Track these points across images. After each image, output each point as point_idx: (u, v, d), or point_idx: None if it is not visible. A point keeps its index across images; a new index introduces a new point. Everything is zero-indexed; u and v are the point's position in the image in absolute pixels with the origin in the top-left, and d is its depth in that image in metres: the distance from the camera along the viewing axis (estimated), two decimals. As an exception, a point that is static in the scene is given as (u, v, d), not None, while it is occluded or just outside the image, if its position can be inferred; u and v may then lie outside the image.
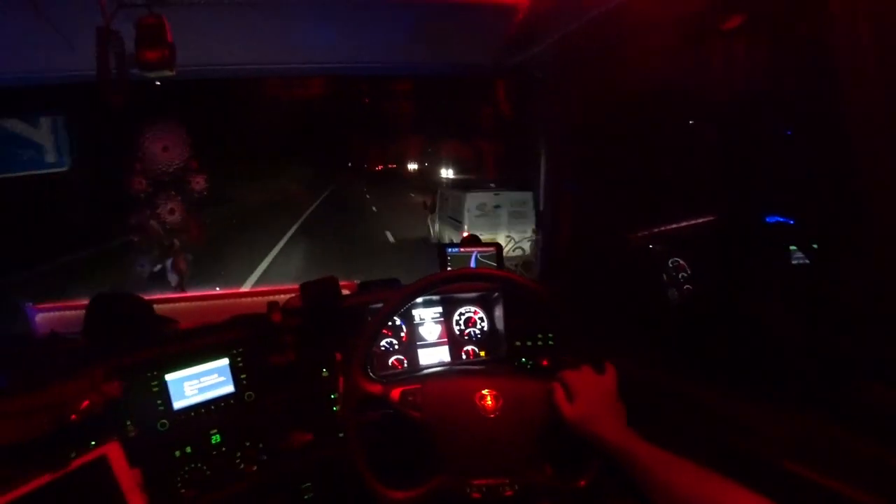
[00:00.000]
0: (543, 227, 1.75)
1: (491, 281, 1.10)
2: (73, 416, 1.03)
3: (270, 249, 9.73)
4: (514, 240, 6.10)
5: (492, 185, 9.66)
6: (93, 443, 1.03)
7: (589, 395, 0.94)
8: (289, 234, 11.93)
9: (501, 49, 1.65)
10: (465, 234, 6.76)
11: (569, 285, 1.67)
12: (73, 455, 0.97)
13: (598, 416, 0.91)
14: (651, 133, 1.80)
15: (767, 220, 1.63)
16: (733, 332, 1.44)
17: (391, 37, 1.54)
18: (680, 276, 1.72)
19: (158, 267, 2.07)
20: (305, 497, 1.38)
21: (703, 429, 1.10)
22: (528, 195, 7.42)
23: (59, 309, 1.98)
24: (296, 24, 1.39)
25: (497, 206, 8.39)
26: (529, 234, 4.33)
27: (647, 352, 1.44)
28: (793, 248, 1.55)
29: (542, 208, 1.75)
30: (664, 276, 1.69)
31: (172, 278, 1.99)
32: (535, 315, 1.49)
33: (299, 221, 14.17)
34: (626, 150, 1.78)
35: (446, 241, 8.93)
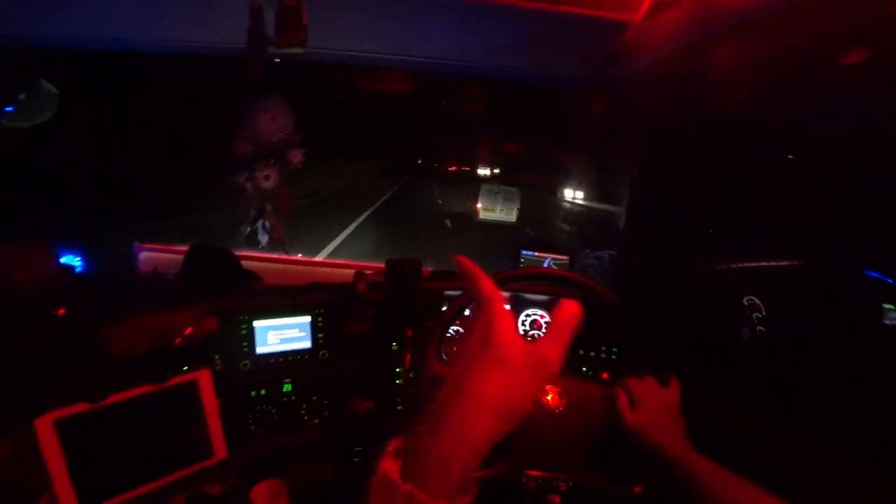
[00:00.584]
0: (620, 243, 1.74)
1: (571, 285, 1.12)
2: (178, 341, 1.16)
3: (344, 228, 10.54)
4: (504, 210, 13.25)
5: (498, 182, 15.11)
6: (185, 368, 1.16)
7: (651, 405, 0.95)
8: (362, 216, 12.81)
9: (601, 62, 1.67)
10: (477, 206, 13.14)
11: (639, 304, 1.65)
12: (169, 374, 1.10)
13: (660, 426, 0.92)
14: (744, 164, 1.75)
15: (868, 273, 1.55)
16: (811, 382, 1.38)
17: (497, 40, 1.60)
18: (754, 315, 1.66)
19: (250, 229, 2.24)
20: (355, 460, 1.47)
21: (766, 469, 1.07)
22: (515, 189, 13.59)
23: (160, 251, 2.19)
24: (412, 20, 1.47)
25: (496, 193, 13.48)
26: (514, 210, 13.19)
27: (712, 383, 1.40)
28: (888, 306, 1.46)
29: (621, 224, 1.74)
30: (737, 313, 1.64)
31: (262, 238, 2.15)
32: (602, 327, 1.49)
33: (372, 207, 14.96)
34: (715, 177, 1.74)
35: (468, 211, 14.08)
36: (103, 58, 1.88)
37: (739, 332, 1.66)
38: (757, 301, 1.66)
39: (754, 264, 1.75)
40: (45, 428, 0.95)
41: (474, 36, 1.57)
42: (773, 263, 1.72)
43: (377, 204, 15.92)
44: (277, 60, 1.69)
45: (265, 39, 1.23)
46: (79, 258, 1.92)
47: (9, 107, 1.99)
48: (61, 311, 1.22)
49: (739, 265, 1.76)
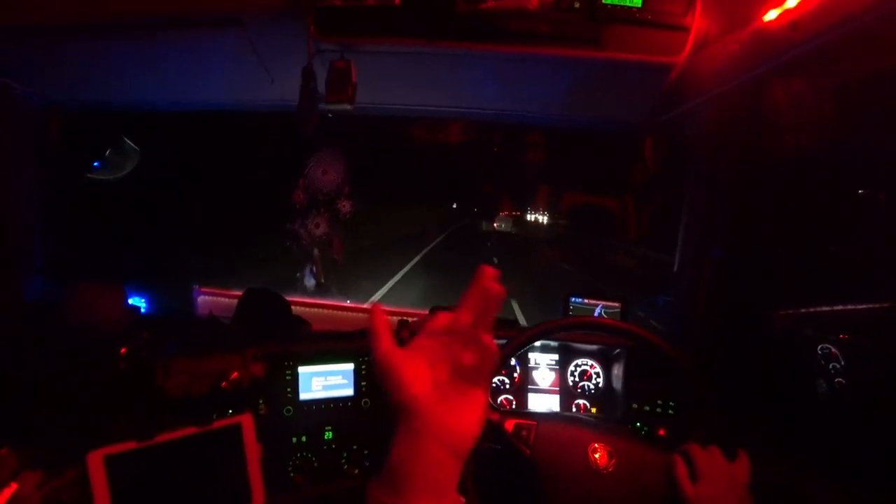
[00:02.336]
0: (679, 291, 1.65)
1: (624, 336, 1.06)
2: (224, 384, 1.19)
3: (398, 271, 11.24)
4: (504, 225, 27.26)
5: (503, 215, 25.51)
6: (230, 411, 1.18)
7: (716, 479, 0.86)
8: (414, 260, 13.43)
9: (651, 105, 1.64)
10: (494, 224, 27.43)
11: (701, 356, 1.54)
12: (214, 416, 1.11)
13: None
14: (809, 202, 1.64)
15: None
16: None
17: (545, 90, 1.61)
18: (831, 366, 1.50)
19: (298, 274, 2.34)
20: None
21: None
22: (510, 219, 27.78)
23: (217, 295, 2.30)
24: (461, 74, 1.51)
25: (502, 219, 23.56)
26: (510, 225, 28.06)
27: (785, 448, 1.27)
28: None
29: (676, 268, 1.66)
30: (812, 365, 1.49)
31: (309, 283, 2.23)
32: (657, 379, 1.40)
33: (424, 251, 15.57)
34: (780, 218, 1.64)
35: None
36: (178, 118, 2.06)
37: (816, 385, 1.51)
38: (833, 350, 1.51)
39: (828, 308, 1.61)
40: (95, 463, 0.98)
41: (521, 87, 1.59)
42: (850, 307, 1.58)
43: (429, 247, 16.44)
44: (330, 116, 1.79)
45: (317, 97, 1.29)
46: (144, 300, 2.04)
47: (96, 162, 2.20)
48: (123, 351, 1.29)
49: (811, 310, 1.62)
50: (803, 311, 1.59)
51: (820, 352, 1.51)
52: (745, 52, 1.22)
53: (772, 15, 1.10)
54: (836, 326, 1.52)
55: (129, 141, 2.23)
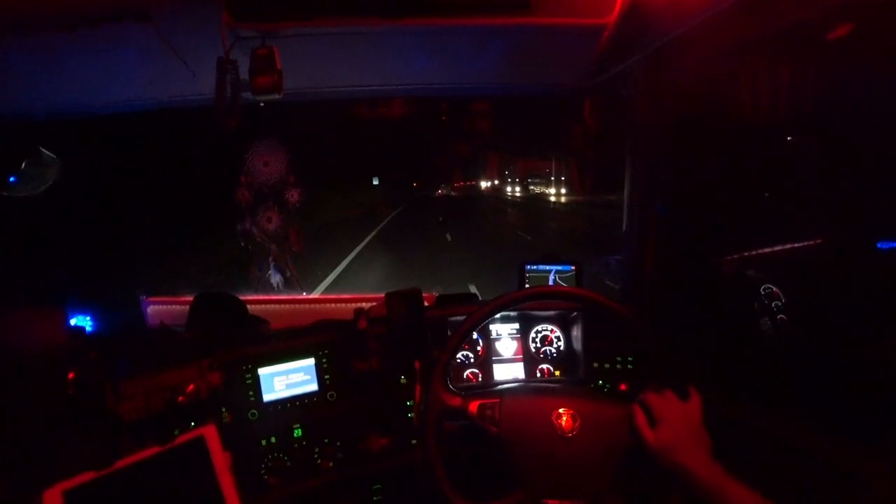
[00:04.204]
0: (627, 247, 1.70)
1: (575, 300, 1.09)
2: (181, 399, 1.15)
3: (352, 250, 11.46)
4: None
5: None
6: (192, 424, 1.15)
7: (673, 422, 0.90)
8: (367, 238, 13.54)
9: (587, 68, 1.65)
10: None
11: (652, 309, 1.60)
12: (176, 432, 1.08)
13: (684, 445, 0.87)
14: (744, 151, 1.71)
15: (881, 245, 1.48)
16: (839, 369, 1.32)
17: (479, 60, 1.59)
18: (773, 304, 1.59)
19: (267, 272, 2.27)
20: (375, 499, 1.43)
21: (800, 476, 1.01)
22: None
23: (167, 303, 2.20)
24: (391, 50, 1.47)
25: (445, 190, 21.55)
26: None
27: (735, 385, 1.35)
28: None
29: (625, 228, 1.70)
30: (755, 305, 1.58)
31: (275, 279, 2.17)
32: (615, 337, 1.45)
33: (377, 229, 15.69)
34: (717, 169, 1.70)
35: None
36: (94, 121, 1.93)
37: (760, 325, 1.60)
38: (775, 289, 1.60)
39: (767, 250, 1.69)
40: (53, 499, 0.94)
41: (453, 59, 1.56)
42: (786, 247, 1.66)
43: (382, 224, 16.51)
44: (262, 104, 1.71)
45: (237, 88, 1.23)
46: (89, 318, 1.94)
47: (12, 177, 2.04)
48: (71, 376, 1.22)
49: (752, 254, 1.70)
50: (745, 255, 1.67)
51: (763, 292, 1.60)
52: (673, 8, 1.23)
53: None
54: (775, 267, 1.60)
55: (46, 151, 2.08)
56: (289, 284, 2.39)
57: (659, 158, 1.65)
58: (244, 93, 1.25)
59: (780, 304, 1.58)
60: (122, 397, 1.17)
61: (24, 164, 2.03)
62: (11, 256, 2.08)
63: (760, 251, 1.68)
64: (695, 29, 1.26)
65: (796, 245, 1.62)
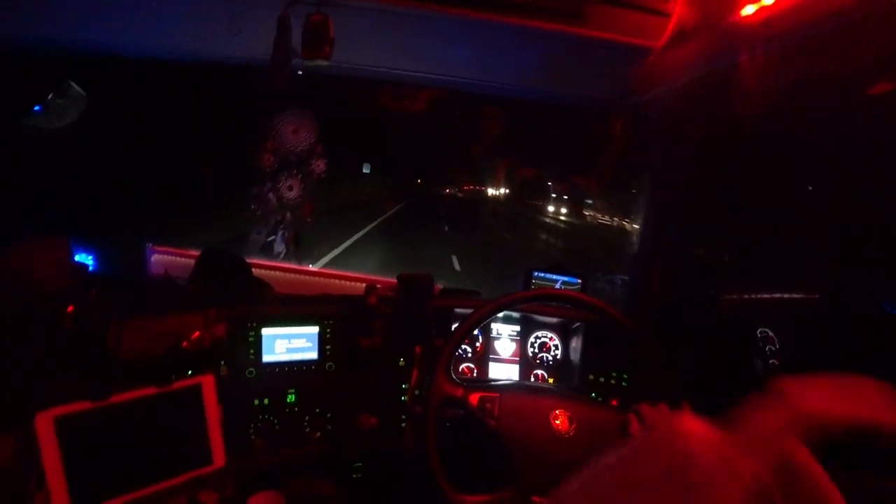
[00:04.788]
0: (636, 267, 1.72)
1: (585, 308, 1.10)
2: (185, 344, 1.15)
3: (350, 237, 11.22)
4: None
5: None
6: (190, 372, 1.16)
7: None
8: (368, 227, 13.36)
9: (623, 87, 1.67)
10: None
11: (654, 330, 1.62)
12: (174, 377, 1.09)
13: None
14: (763, 194, 1.73)
15: (889, 308, 1.51)
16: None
17: (520, 61, 1.60)
18: (767, 348, 1.62)
19: (272, 238, 2.25)
20: (354, 476, 1.44)
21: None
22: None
23: (172, 254, 2.20)
24: (437, 38, 1.48)
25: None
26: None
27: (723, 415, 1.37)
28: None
29: (636, 249, 1.72)
30: (750, 345, 1.60)
31: (279, 247, 2.16)
32: (612, 352, 1.47)
33: (378, 220, 15.38)
34: (733, 207, 1.72)
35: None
36: (130, 64, 1.92)
37: (753, 364, 1.62)
38: (770, 333, 1.62)
39: (770, 296, 1.72)
40: (44, 424, 0.94)
41: (496, 54, 1.58)
42: (788, 296, 1.69)
43: (384, 216, 16.37)
44: (300, 73, 1.71)
45: (290, 52, 1.24)
46: (91, 257, 1.94)
47: (37, 106, 2.03)
48: (70, 309, 1.22)
49: (754, 297, 1.73)
50: (746, 296, 1.70)
51: (759, 334, 1.62)
52: (720, 43, 1.25)
53: (749, 10, 1.13)
54: (775, 313, 1.63)
55: (75, 85, 2.07)
56: (291, 254, 2.38)
57: (678, 186, 1.67)
58: (295, 58, 1.26)
59: (773, 348, 1.61)
60: (123, 337, 1.17)
61: (50, 96, 2.03)
62: (22, 188, 2.07)
63: (762, 295, 1.71)
64: (735, 67, 1.28)
65: (797, 296, 1.65)
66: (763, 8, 1.10)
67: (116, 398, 1.02)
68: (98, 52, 1.83)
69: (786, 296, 1.68)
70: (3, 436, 1.03)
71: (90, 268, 1.89)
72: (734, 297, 1.73)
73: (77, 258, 1.89)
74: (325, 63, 1.27)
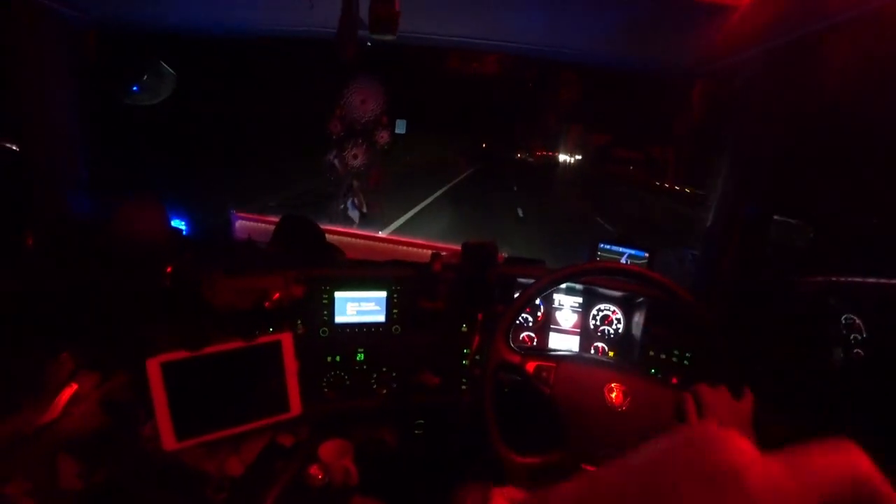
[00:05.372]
0: (708, 244, 1.64)
1: (649, 284, 1.09)
2: (267, 304, 1.27)
3: (425, 198, 11.48)
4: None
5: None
6: (271, 329, 1.27)
7: (722, 415, 0.91)
8: (441, 189, 13.61)
9: (705, 51, 1.57)
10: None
11: (724, 311, 1.56)
12: (257, 333, 1.20)
13: None
14: (858, 171, 1.58)
15: None
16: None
17: (595, 25, 1.54)
18: (852, 336, 1.51)
19: (342, 205, 2.36)
20: (416, 432, 1.54)
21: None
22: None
23: (254, 220, 2.37)
24: (505, 3, 1.46)
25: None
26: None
27: (792, 405, 1.31)
28: None
29: (710, 223, 1.65)
30: (831, 332, 1.50)
31: (353, 215, 2.26)
32: (676, 330, 1.44)
33: (454, 181, 15.77)
34: (823, 183, 1.59)
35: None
36: (211, 41, 2.04)
37: (832, 353, 1.53)
38: (857, 321, 1.51)
39: (860, 280, 1.59)
40: (153, 369, 1.09)
41: (569, 19, 1.52)
42: (883, 281, 1.56)
43: (456, 180, 16.38)
44: (369, 44, 1.75)
45: (357, 24, 1.27)
46: (184, 222, 2.13)
47: (135, 86, 2.22)
48: (169, 269, 1.37)
49: (841, 280, 1.61)
50: (832, 279, 1.58)
51: (843, 321, 1.51)
52: (808, 5, 1.15)
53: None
54: (864, 299, 1.51)
55: (165, 65, 2.23)
56: (365, 220, 2.48)
57: (761, 159, 1.56)
58: (362, 30, 1.29)
59: (859, 337, 1.50)
60: (215, 291, 1.30)
61: (145, 76, 2.20)
62: (125, 155, 2.29)
63: (850, 279, 1.58)
64: (829, 29, 1.17)
65: (892, 281, 1.51)
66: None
67: (209, 349, 1.16)
68: (186, 30, 1.97)
69: (882, 281, 1.55)
70: (117, 375, 1.20)
71: (184, 232, 2.08)
72: (817, 278, 1.62)
73: (172, 223, 2.10)
74: (392, 37, 1.29)
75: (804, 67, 1.41)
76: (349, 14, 1.27)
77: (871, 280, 1.55)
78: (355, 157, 2.22)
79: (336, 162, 2.28)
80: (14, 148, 1.58)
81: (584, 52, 1.72)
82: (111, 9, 1.64)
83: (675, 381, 1.47)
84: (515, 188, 17.11)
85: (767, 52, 1.43)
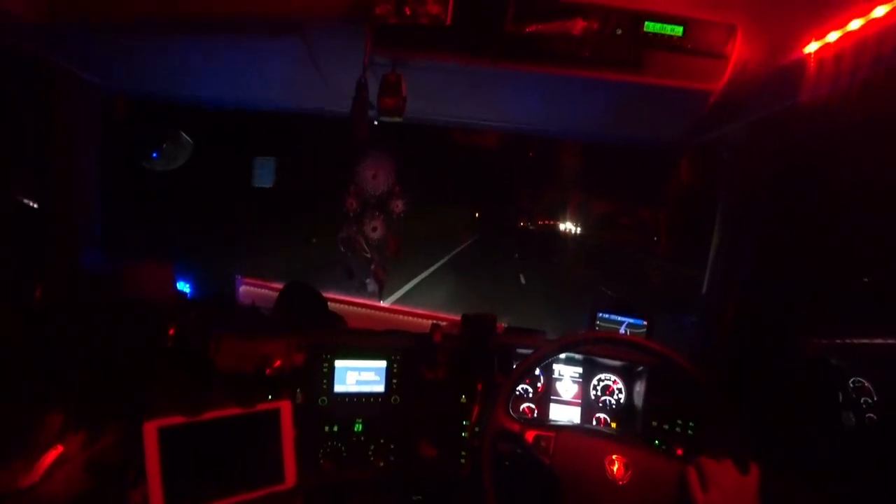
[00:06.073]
0: (705, 311, 1.66)
1: (648, 353, 1.10)
2: (268, 371, 1.28)
3: (424, 271, 11.65)
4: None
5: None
6: (270, 396, 1.27)
7: (727, 489, 0.89)
8: (447, 256, 14.14)
9: (689, 127, 1.66)
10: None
11: (724, 377, 1.55)
12: (257, 399, 1.20)
13: None
14: (845, 231, 1.63)
15: None
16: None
17: (585, 109, 1.65)
18: (862, 400, 1.49)
19: (367, 280, 2.36)
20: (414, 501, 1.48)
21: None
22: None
23: (258, 286, 2.41)
24: (504, 90, 1.56)
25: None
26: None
27: (802, 475, 1.28)
28: None
29: (705, 290, 1.67)
30: (840, 397, 1.48)
31: (371, 286, 2.25)
32: (679, 399, 1.43)
33: (457, 250, 16.30)
34: (813, 245, 1.63)
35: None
36: (232, 116, 2.17)
37: (842, 418, 1.50)
38: (866, 384, 1.50)
39: (864, 341, 1.59)
40: (150, 433, 1.08)
41: (562, 104, 1.63)
42: (884, 341, 1.56)
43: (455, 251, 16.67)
44: (376, 123, 1.86)
45: (368, 107, 1.37)
46: (189, 285, 2.17)
47: (154, 153, 2.34)
48: (171, 330, 1.39)
49: (844, 342, 1.61)
50: (834, 341, 1.58)
51: (851, 384, 1.50)
52: (784, 81, 1.24)
53: (812, 47, 1.12)
54: (872, 361, 1.50)
55: (184, 134, 2.36)
56: (382, 292, 2.48)
57: (751, 225, 1.62)
58: (371, 112, 1.39)
59: (870, 401, 1.48)
60: (221, 352, 1.31)
61: (165, 144, 2.33)
62: (138, 216, 2.37)
63: (854, 340, 1.58)
64: (802, 104, 1.26)
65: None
66: (827, 45, 1.09)
67: (208, 415, 1.15)
68: (207, 104, 2.10)
69: (889, 341, 1.55)
70: (106, 435, 1.18)
71: (188, 294, 2.12)
72: (820, 341, 1.62)
73: (177, 285, 2.13)
74: (399, 119, 1.39)
75: (779, 139, 1.50)
76: (362, 99, 1.38)
77: (876, 340, 1.55)
78: (374, 229, 2.26)
79: (358, 237, 2.30)
80: (34, 205, 1.65)
81: (579, 131, 1.83)
82: (136, 79, 1.77)
83: (679, 452, 1.44)
84: (517, 255, 17.41)
85: (745, 127, 1.52)
